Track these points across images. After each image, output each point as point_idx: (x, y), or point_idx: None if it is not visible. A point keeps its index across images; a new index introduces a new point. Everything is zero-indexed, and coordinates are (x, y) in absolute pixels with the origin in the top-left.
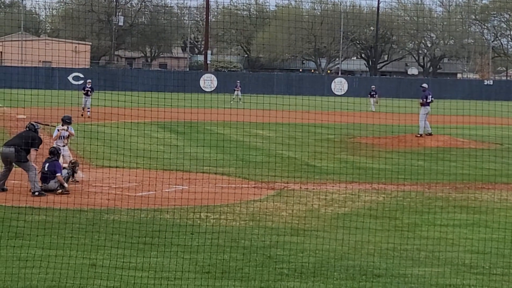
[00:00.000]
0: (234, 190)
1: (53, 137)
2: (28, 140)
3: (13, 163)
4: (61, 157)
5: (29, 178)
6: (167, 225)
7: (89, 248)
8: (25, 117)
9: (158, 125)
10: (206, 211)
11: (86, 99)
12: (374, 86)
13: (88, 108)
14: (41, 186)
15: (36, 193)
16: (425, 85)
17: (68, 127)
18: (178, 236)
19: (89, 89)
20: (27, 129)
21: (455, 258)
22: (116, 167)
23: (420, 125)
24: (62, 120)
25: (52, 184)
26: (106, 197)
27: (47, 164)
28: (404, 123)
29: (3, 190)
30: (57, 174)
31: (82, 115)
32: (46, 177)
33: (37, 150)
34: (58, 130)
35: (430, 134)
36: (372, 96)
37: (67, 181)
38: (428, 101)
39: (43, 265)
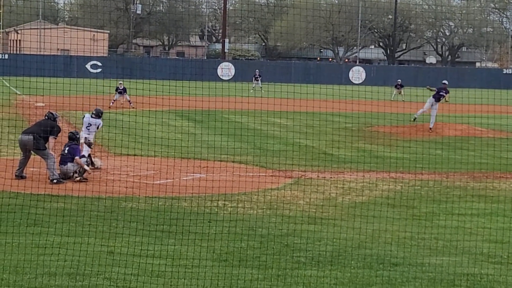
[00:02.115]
0: (252, 178)
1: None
2: (47, 128)
3: (31, 151)
4: (83, 145)
5: (47, 166)
6: (184, 213)
7: (107, 235)
8: (43, 105)
9: (176, 113)
10: (224, 199)
11: (121, 96)
12: (400, 80)
13: (129, 101)
14: (58, 169)
15: (55, 181)
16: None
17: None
18: (195, 224)
19: (122, 90)
20: (46, 117)
21: (473, 247)
22: (134, 155)
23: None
24: (96, 114)
25: (70, 166)
26: (124, 185)
27: (67, 148)
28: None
29: (22, 177)
30: (75, 157)
31: (109, 107)
32: (64, 159)
33: (55, 139)
34: (89, 120)
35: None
36: (397, 88)
37: (81, 172)
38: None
39: (62, 252)
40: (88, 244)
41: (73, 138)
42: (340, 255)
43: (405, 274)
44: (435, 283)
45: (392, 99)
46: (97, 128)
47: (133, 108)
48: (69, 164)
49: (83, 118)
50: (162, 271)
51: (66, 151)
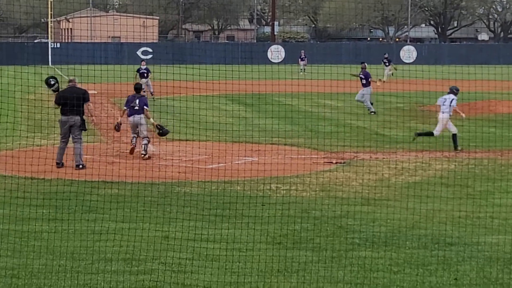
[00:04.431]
0: (304, 160)
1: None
2: (80, 98)
3: (75, 132)
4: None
5: (75, 150)
6: (237, 196)
7: (161, 220)
8: (95, 92)
9: (226, 97)
10: (277, 182)
11: (145, 80)
12: (387, 54)
13: (151, 89)
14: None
15: (80, 166)
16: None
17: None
18: (249, 207)
19: (145, 71)
20: (70, 83)
21: None
22: (186, 140)
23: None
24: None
25: (138, 118)
26: (177, 170)
27: (137, 100)
28: (475, 90)
29: (62, 165)
30: (145, 108)
31: (153, 99)
32: (135, 112)
33: (90, 103)
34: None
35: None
36: (386, 64)
37: (145, 149)
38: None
39: (117, 238)
40: (143, 229)
41: (140, 88)
42: (394, 235)
43: (461, 253)
44: (492, 262)
45: (385, 80)
46: (450, 103)
47: (151, 97)
48: (138, 116)
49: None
50: (216, 255)
51: (137, 103)
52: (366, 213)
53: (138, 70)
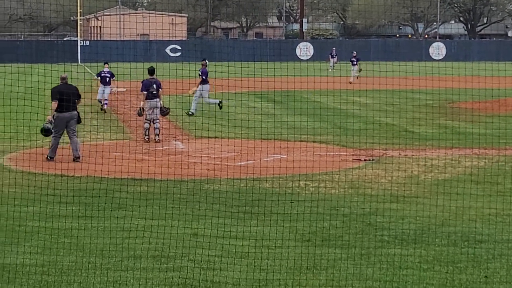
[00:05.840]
0: (333, 158)
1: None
2: (75, 94)
3: (69, 127)
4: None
5: (74, 144)
6: (266, 194)
7: (190, 217)
8: (125, 90)
9: (255, 94)
10: (305, 179)
11: (103, 88)
12: (355, 52)
13: (106, 100)
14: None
15: (79, 159)
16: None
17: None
18: (277, 204)
19: (107, 75)
20: (63, 81)
21: None
22: (215, 137)
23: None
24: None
25: (155, 102)
26: (206, 167)
27: (154, 84)
28: (505, 87)
29: (52, 159)
30: (160, 90)
31: (101, 109)
32: (154, 96)
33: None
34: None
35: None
36: (353, 64)
37: (158, 133)
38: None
39: (146, 235)
40: (172, 226)
41: (153, 71)
42: (424, 233)
43: (490, 251)
44: None
45: (351, 80)
46: None
47: (102, 110)
48: (155, 100)
49: None
50: (245, 252)
51: (155, 88)
52: (395, 210)
53: (99, 74)
